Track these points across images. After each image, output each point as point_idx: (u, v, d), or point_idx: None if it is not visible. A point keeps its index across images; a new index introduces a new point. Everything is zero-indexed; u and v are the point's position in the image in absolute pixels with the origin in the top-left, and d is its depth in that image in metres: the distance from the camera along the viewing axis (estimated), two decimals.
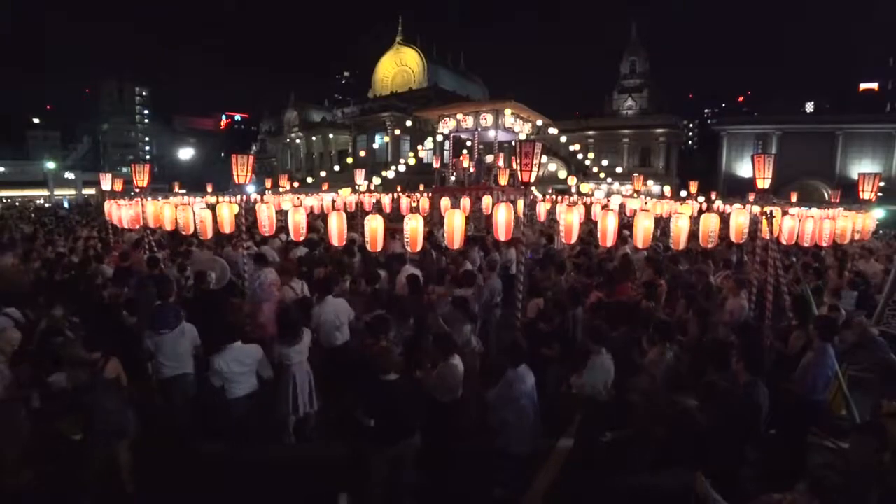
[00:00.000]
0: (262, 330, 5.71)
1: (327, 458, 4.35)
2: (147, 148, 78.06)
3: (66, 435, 3.71)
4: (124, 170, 46.22)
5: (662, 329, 4.51)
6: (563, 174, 20.02)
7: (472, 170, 15.79)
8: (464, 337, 4.96)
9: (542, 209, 13.32)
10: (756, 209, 6.85)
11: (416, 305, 5.59)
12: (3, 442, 3.71)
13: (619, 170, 29.47)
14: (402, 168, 16.92)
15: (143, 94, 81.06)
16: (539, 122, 17.11)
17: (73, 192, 46.95)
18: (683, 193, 17.00)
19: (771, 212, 5.77)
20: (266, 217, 6.76)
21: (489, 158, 16.45)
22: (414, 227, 5.67)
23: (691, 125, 72.37)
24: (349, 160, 27.41)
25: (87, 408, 3.63)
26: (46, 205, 39.57)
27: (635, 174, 15.93)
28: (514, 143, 12.02)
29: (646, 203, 12.92)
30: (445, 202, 11.46)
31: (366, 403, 3.65)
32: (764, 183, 5.70)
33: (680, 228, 5.93)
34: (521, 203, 6.01)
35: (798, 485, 2.47)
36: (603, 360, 4.24)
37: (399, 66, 51.99)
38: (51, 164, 50.92)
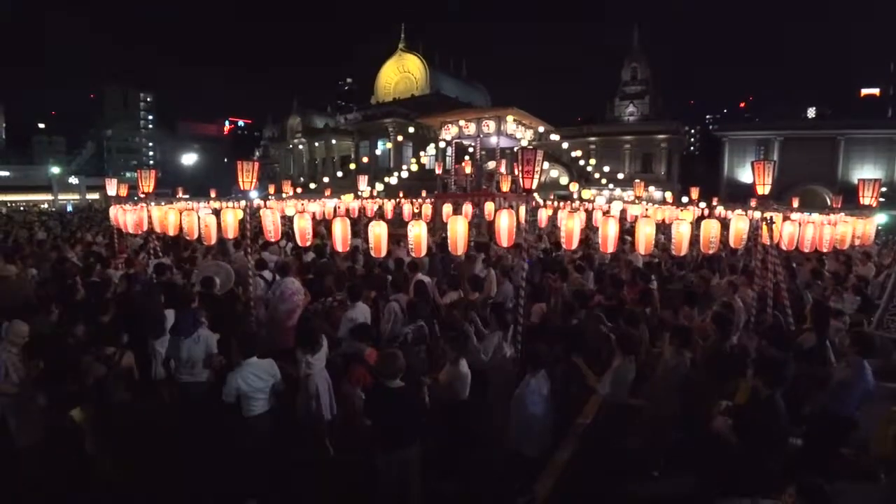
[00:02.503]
0: (284, 340, 5.73)
1: (342, 465, 4.37)
2: (151, 153, 78.58)
3: (77, 421, 3.77)
4: (128, 175, 46.48)
5: (681, 335, 4.50)
6: (564, 180, 20.11)
7: (473, 176, 15.87)
8: (498, 342, 4.89)
9: (543, 215, 13.37)
10: (757, 215, 6.90)
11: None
12: (21, 433, 3.80)
13: (620, 176, 29.61)
14: (404, 174, 17.02)
15: (148, 99, 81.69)
16: (541, 129, 17.20)
17: (77, 196, 47.21)
18: (685, 199, 17.04)
19: (771, 218, 5.81)
20: (270, 223, 6.80)
21: (491, 165, 16.54)
22: (417, 233, 5.71)
23: (693, 131, 72.36)
24: (352, 166, 27.54)
25: (105, 397, 3.68)
26: (51, 209, 39.78)
27: (637, 180, 16.00)
28: (515, 149, 12.09)
29: (647, 209, 12.95)
30: (448, 208, 11.52)
31: (370, 409, 3.66)
32: (764, 189, 5.75)
33: (681, 234, 5.97)
34: (522, 209, 6.06)
35: (788, 489, 2.46)
36: (626, 366, 4.28)
37: (402, 73, 52.31)
38: (55, 169, 51.36)
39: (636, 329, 5.24)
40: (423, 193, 18.97)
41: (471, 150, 17.36)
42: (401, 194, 18.29)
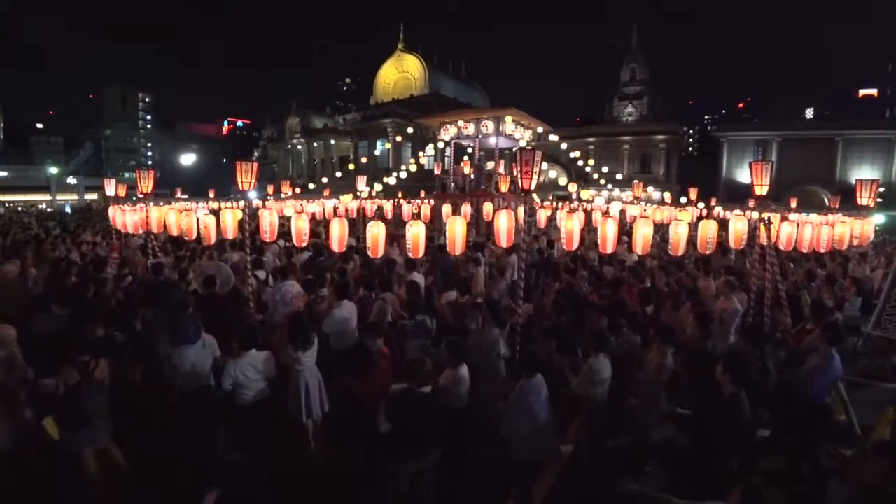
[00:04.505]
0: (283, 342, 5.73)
1: (341, 466, 4.33)
2: (149, 153, 78.40)
3: (49, 433, 3.76)
4: (127, 175, 46.44)
5: (665, 333, 4.52)
6: (563, 181, 20.12)
7: (472, 176, 15.87)
8: (492, 339, 4.88)
9: (542, 215, 13.39)
10: (755, 215, 6.93)
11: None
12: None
13: (619, 176, 29.53)
14: (403, 174, 17.00)
15: (147, 99, 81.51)
16: (540, 129, 17.21)
17: (75, 197, 47.11)
18: (683, 200, 17.05)
19: (769, 218, 5.82)
20: (268, 223, 6.80)
21: (490, 165, 16.54)
22: (416, 233, 5.72)
23: (691, 132, 72.56)
24: (351, 166, 27.55)
25: (75, 407, 3.66)
26: (48, 209, 39.69)
27: (635, 180, 15.99)
28: (514, 150, 12.12)
29: (645, 210, 12.97)
30: (447, 209, 11.52)
31: (394, 415, 3.53)
32: (762, 189, 5.76)
33: (679, 235, 5.98)
34: (521, 210, 6.06)
35: (734, 491, 2.47)
36: (599, 364, 4.23)
37: (400, 73, 52.36)
38: (54, 170, 51.25)
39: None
40: (422, 194, 19.01)
41: (469, 150, 17.37)
42: (399, 195, 18.31)
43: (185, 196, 16.23)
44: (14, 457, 3.93)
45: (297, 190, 20.51)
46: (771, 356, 5.06)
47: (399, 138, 32.07)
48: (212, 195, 18.41)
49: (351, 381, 4.56)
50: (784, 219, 7.09)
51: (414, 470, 3.49)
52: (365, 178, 15.03)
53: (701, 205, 14.70)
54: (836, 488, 4.01)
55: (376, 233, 5.85)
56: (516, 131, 15.59)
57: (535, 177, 5.15)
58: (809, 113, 55.03)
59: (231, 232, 6.97)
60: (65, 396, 3.68)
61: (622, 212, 13.37)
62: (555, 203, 17.94)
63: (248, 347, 4.30)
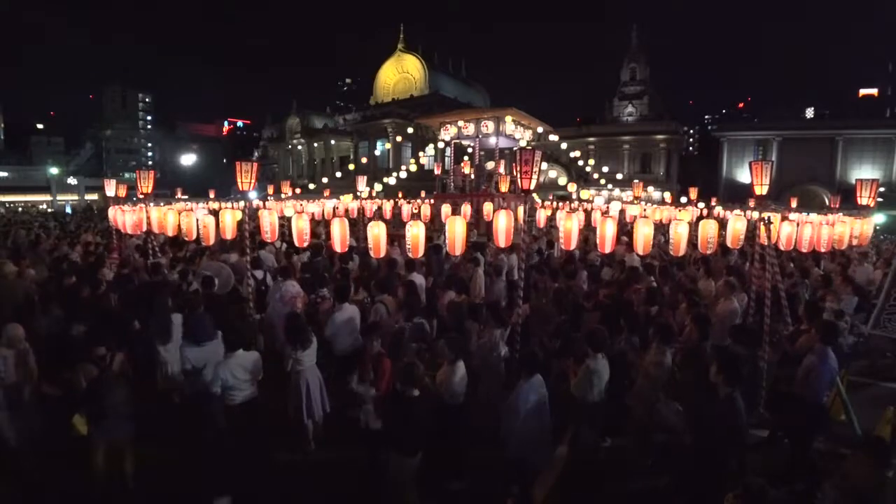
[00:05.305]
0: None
1: (342, 463, 4.34)
2: (150, 154, 78.40)
3: (76, 429, 3.77)
4: (127, 175, 46.45)
5: (664, 332, 4.53)
6: (563, 181, 20.11)
7: (472, 176, 15.88)
8: (493, 340, 4.87)
9: (541, 215, 13.39)
10: (755, 215, 6.91)
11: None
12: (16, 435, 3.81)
13: (619, 176, 29.55)
14: (403, 175, 17.00)
15: (147, 100, 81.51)
16: (540, 129, 17.22)
17: (75, 197, 47.11)
18: (683, 200, 17.04)
19: (769, 218, 5.82)
20: (268, 223, 6.80)
21: (490, 165, 16.56)
22: (416, 233, 5.72)
23: (692, 131, 72.53)
24: (351, 166, 27.57)
25: (98, 400, 3.69)
26: (49, 210, 39.69)
27: (635, 180, 16.00)
28: (514, 150, 12.12)
29: (645, 210, 12.97)
30: (446, 209, 11.52)
31: (387, 415, 3.61)
32: (762, 189, 5.76)
33: (679, 235, 5.97)
34: (521, 210, 6.06)
35: (728, 494, 2.49)
36: (597, 364, 4.21)
37: (400, 73, 52.34)
38: (54, 170, 51.29)
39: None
40: (423, 194, 19.00)
41: (470, 150, 17.38)
42: (400, 195, 18.30)
43: (186, 196, 16.21)
44: (20, 454, 3.95)
45: (298, 190, 20.49)
46: (767, 357, 5.07)
47: (399, 138, 32.11)
48: (212, 195, 18.39)
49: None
50: (784, 218, 7.09)
51: (405, 466, 3.52)
52: (365, 178, 15.02)
53: (701, 205, 14.68)
54: (830, 487, 4.02)
55: (377, 233, 5.84)
56: (516, 131, 15.60)
57: (535, 177, 5.15)
58: (809, 113, 54.92)
59: (230, 232, 6.98)
60: (87, 390, 3.74)
61: (622, 212, 13.36)
62: (555, 203, 17.94)
63: (234, 348, 4.26)
